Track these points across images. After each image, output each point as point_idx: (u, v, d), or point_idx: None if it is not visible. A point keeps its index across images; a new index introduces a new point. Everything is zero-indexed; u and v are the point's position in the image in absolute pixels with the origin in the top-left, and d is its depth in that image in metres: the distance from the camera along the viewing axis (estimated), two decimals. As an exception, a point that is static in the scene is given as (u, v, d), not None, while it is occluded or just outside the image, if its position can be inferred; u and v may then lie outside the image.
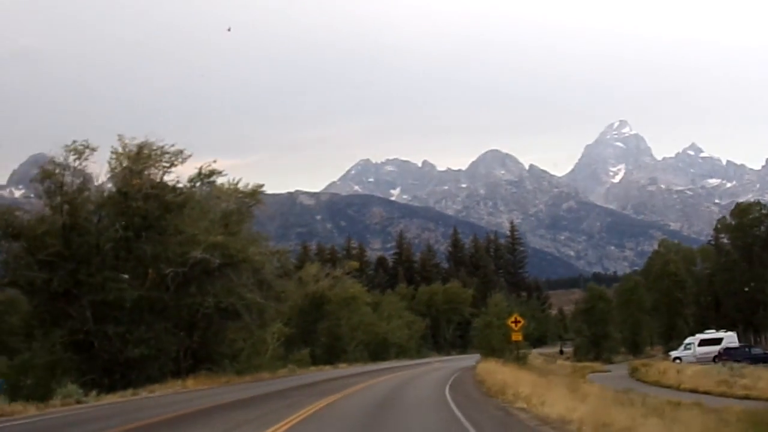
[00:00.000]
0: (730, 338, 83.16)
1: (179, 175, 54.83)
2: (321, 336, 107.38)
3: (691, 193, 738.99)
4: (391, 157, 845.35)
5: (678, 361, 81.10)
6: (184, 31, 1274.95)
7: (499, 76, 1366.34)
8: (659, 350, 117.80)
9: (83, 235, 51.28)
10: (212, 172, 55.63)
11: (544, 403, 21.43)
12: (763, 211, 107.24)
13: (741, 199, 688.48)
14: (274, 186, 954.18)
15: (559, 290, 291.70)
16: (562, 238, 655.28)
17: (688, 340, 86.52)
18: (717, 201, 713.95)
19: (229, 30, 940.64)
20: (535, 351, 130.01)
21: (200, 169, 55.06)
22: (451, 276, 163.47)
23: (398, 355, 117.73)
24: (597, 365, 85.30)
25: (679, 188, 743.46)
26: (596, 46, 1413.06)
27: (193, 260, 51.88)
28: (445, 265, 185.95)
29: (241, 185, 63.90)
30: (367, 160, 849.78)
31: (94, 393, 39.21)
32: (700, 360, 79.95)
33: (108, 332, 49.76)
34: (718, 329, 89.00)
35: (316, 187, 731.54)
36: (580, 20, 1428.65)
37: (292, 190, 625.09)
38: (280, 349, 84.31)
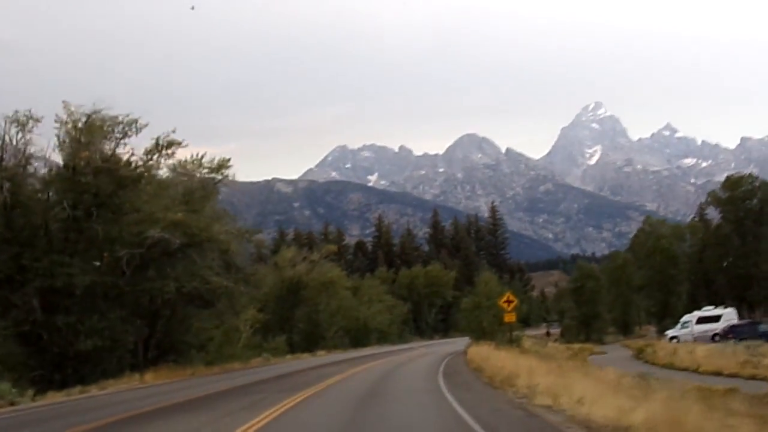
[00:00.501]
0: (729, 315, 78.27)
1: (134, 147, 49.05)
2: (299, 323, 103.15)
3: (666, 173, 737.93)
4: (367, 143, 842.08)
5: (675, 340, 76.31)
6: (156, 19, 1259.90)
7: (475, 60, 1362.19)
8: (647, 330, 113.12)
9: (27, 216, 45.51)
10: (171, 143, 49.51)
11: (581, 400, 16.02)
12: (755, 184, 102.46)
13: (717, 179, 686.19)
14: (252, 174, 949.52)
15: (539, 272, 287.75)
16: (540, 220, 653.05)
17: (685, 318, 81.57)
18: (693, 181, 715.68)
19: (192, 8, 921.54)
20: (534, 332, 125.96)
21: (157, 140, 49.06)
22: (432, 259, 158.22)
23: (379, 341, 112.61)
24: (591, 347, 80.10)
25: (655, 169, 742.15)
26: (571, 30, 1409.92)
27: (150, 240, 46.20)
28: (425, 248, 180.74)
29: (206, 160, 58.09)
30: (344, 146, 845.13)
31: (30, 392, 33.64)
32: (699, 339, 75.24)
33: (57, 323, 44.13)
34: (715, 306, 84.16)
35: (294, 174, 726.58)
36: (555, 5, 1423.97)
37: (269, 177, 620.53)
38: (255, 337, 79.33)
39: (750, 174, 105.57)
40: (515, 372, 26.23)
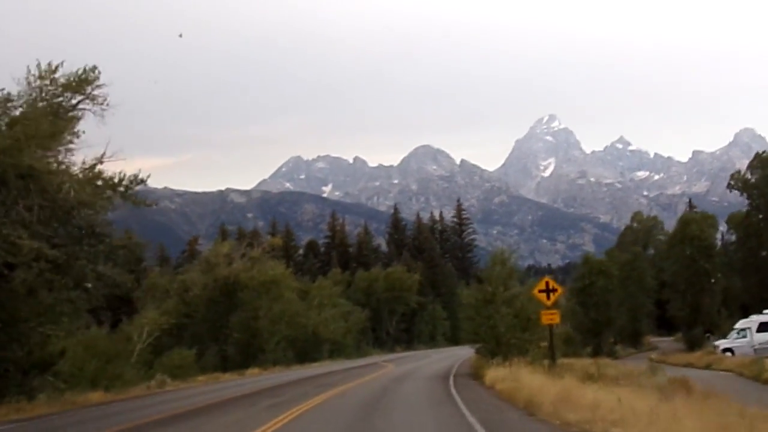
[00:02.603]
0: (802, 320, 57.29)
1: None
2: (234, 332, 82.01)
3: (620, 185, 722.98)
4: (322, 154, 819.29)
5: (729, 353, 55.23)
6: (114, 31, 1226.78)
7: (430, 71, 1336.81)
8: (647, 340, 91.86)
9: None
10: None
11: None
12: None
13: (669, 192, 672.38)
14: (206, 184, 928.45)
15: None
16: (494, 232, 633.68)
17: (740, 324, 60.24)
18: (645, 193, 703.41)
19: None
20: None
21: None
22: (392, 261, 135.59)
23: (333, 354, 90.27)
24: (612, 362, 57.82)
25: (608, 181, 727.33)
26: (525, 41, 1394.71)
27: None
28: (384, 249, 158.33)
29: (62, 73, 35.27)
30: (298, 157, 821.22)
31: None
32: (760, 351, 54.14)
33: None
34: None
35: (248, 185, 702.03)
36: (508, 16, 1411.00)
37: (222, 188, 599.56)
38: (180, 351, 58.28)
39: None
40: None
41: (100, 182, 33.64)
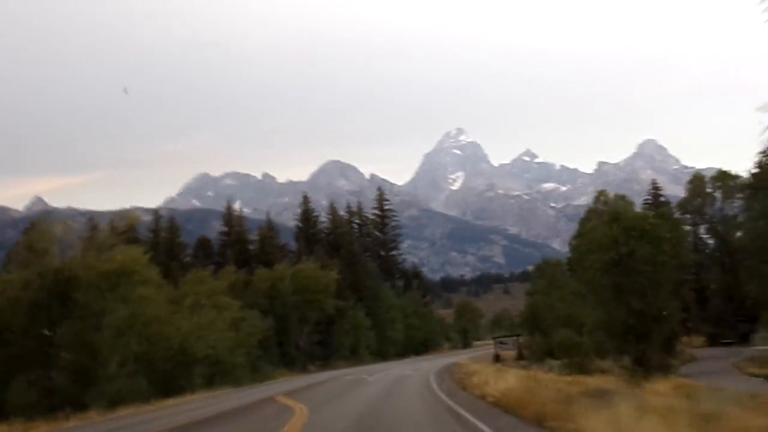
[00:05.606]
0: None
1: None
2: (63, 350, 51.05)
3: (527, 197, 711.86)
4: (230, 171, 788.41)
5: None
6: (20, 46, 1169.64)
7: (338, 86, 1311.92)
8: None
9: None
10: None
11: None
12: None
13: (575, 203, 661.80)
14: (112, 203, 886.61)
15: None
16: (405, 245, 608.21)
17: None
18: (552, 205, 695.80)
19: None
20: (464, 356, 75.35)
21: None
22: (302, 259, 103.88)
23: (214, 380, 58.45)
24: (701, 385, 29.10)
25: (516, 193, 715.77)
26: (431, 55, 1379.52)
27: None
28: (293, 246, 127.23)
29: None
30: (206, 174, 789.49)
31: None
32: None
33: None
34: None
35: (155, 203, 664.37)
36: (414, 30, 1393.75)
37: (128, 206, 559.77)
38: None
39: None
40: None
41: None
